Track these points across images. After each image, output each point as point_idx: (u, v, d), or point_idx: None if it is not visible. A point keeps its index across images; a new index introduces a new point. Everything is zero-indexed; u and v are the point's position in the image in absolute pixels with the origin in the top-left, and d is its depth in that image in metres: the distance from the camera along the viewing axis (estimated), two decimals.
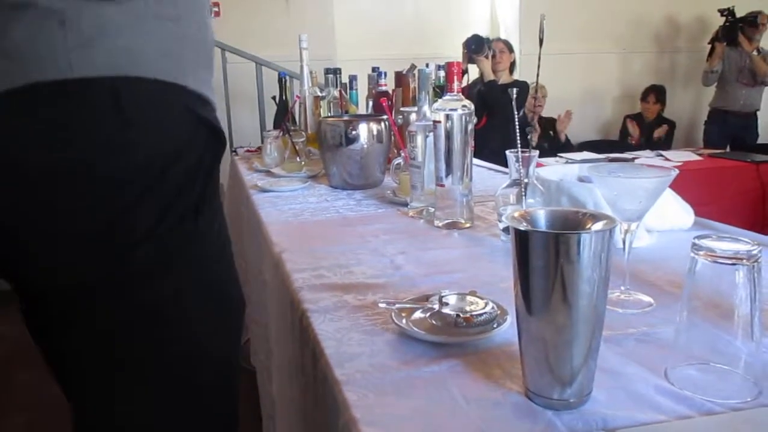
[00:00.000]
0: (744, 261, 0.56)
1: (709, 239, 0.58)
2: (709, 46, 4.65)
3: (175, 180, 0.73)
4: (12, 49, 0.65)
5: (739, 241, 0.58)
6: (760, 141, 4.66)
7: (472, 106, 1.16)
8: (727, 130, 4.60)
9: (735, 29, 4.43)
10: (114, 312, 0.72)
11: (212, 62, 0.83)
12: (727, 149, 4.30)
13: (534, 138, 4.10)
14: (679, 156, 3.68)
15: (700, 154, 3.77)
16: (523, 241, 0.55)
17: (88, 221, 0.69)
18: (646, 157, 3.72)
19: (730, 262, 0.56)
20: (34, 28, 0.65)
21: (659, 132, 4.46)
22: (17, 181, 0.67)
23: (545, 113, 4.36)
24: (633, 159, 3.60)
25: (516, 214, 0.59)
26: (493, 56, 3.70)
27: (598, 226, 0.56)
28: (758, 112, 4.64)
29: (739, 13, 4.47)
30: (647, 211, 0.79)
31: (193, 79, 0.76)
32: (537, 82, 1.05)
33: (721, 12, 4.49)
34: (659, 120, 4.56)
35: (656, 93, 4.58)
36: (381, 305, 0.77)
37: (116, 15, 0.68)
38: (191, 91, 0.75)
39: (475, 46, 3.54)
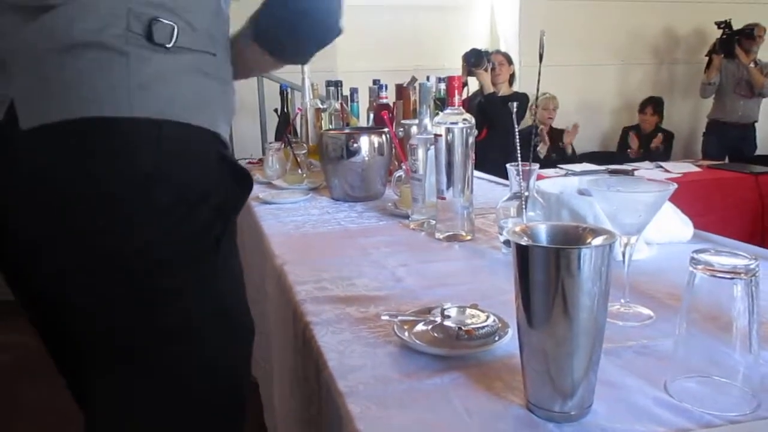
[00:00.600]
0: (742, 275, 0.57)
1: (708, 253, 0.59)
2: (707, 58, 4.68)
3: (201, 217, 0.77)
4: (74, 81, 0.70)
5: (737, 255, 0.59)
6: (758, 152, 4.68)
7: (473, 120, 1.17)
8: (726, 141, 4.62)
9: (732, 42, 4.46)
10: (132, 331, 0.75)
11: (231, 118, 0.89)
12: (726, 160, 4.32)
13: (543, 149, 4.11)
14: (678, 167, 3.69)
15: (699, 166, 3.79)
16: (524, 255, 0.56)
17: (116, 247, 0.73)
18: (645, 168, 3.73)
19: (728, 276, 0.57)
20: (98, 65, 0.71)
21: (656, 142, 4.47)
22: (59, 205, 0.71)
23: (554, 124, 4.39)
24: (632, 171, 3.61)
25: (517, 229, 0.60)
26: (493, 69, 3.73)
27: (598, 240, 0.57)
28: (756, 124, 4.66)
29: (736, 26, 4.50)
30: (647, 225, 0.80)
31: (222, 129, 0.82)
32: (537, 97, 1.07)
33: (718, 24, 4.52)
34: (657, 131, 4.58)
35: (653, 105, 4.59)
36: (383, 318, 0.78)
37: (170, 64, 0.75)
38: (222, 139, 0.82)
39: (475, 60, 3.56)
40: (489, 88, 3.63)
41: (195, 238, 0.78)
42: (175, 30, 0.74)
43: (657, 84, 5.15)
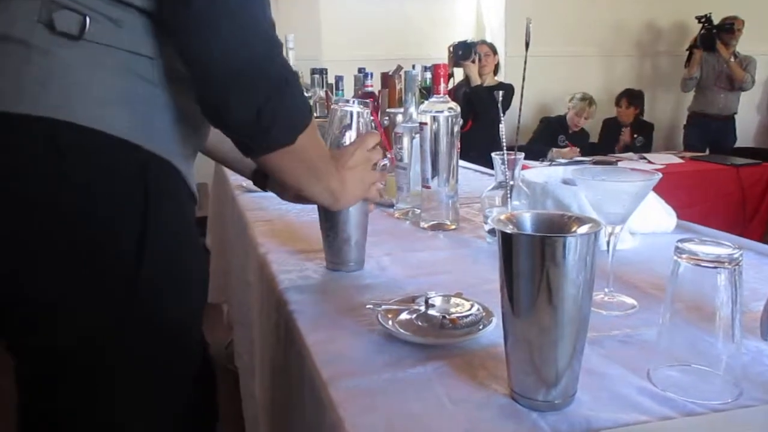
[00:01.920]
0: (726, 264, 0.57)
1: (692, 243, 0.59)
2: (688, 52, 4.70)
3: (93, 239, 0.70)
4: None
5: (721, 245, 0.59)
6: (738, 144, 4.73)
7: (459, 108, 1.17)
8: (707, 133, 4.66)
9: (712, 36, 4.48)
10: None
11: (196, 144, 0.84)
12: (707, 152, 4.35)
13: (571, 152, 4.10)
14: (661, 159, 3.72)
15: (681, 157, 3.82)
16: (509, 243, 0.56)
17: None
18: (629, 159, 3.76)
19: (712, 265, 0.57)
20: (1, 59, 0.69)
21: (624, 135, 4.44)
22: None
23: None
24: (616, 161, 3.64)
25: (502, 217, 0.59)
26: (479, 60, 3.73)
27: (584, 229, 0.56)
28: (735, 116, 4.71)
29: (716, 18, 4.52)
30: (631, 215, 0.80)
31: (157, 139, 0.74)
32: (523, 87, 1.06)
33: (699, 19, 4.55)
34: (636, 124, 4.58)
35: (628, 97, 4.57)
36: (368, 307, 0.77)
37: (77, 59, 0.69)
38: (147, 150, 0.72)
39: (463, 53, 3.56)
40: (476, 81, 3.63)
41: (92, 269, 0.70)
42: (86, 21, 0.68)
43: (640, 76, 5.17)
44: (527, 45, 0.96)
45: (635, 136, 4.40)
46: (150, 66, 0.73)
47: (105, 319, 0.72)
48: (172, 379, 0.79)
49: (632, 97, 4.57)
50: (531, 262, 0.54)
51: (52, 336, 0.72)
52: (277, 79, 0.72)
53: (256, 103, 0.71)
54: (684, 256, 0.59)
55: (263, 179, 1.06)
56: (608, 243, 0.81)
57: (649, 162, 3.62)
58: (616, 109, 4.62)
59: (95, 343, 0.72)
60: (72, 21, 0.68)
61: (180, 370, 0.80)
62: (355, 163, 0.90)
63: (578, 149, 4.13)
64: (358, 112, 0.96)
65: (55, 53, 0.68)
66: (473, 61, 3.61)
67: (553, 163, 3.50)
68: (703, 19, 4.53)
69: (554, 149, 4.09)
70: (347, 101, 0.99)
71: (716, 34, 4.48)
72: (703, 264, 0.58)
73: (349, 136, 0.95)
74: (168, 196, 0.76)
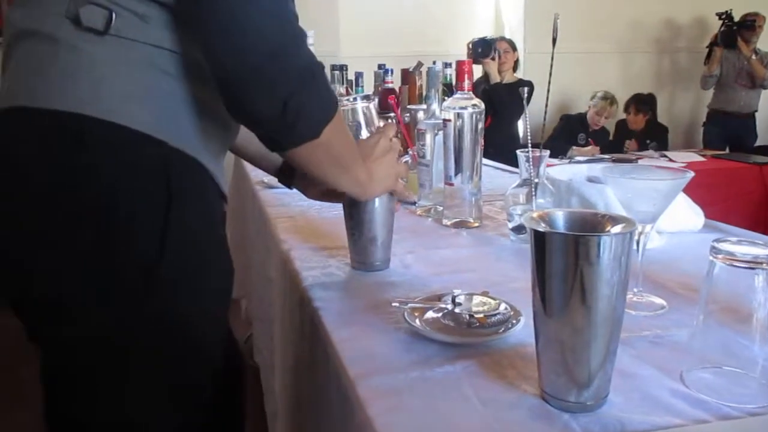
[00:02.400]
0: (763, 265, 0.56)
1: (728, 243, 0.58)
2: (707, 48, 4.64)
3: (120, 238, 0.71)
4: (10, 72, 0.72)
5: (757, 245, 0.58)
6: (758, 142, 4.66)
7: (483, 105, 1.16)
8: (726, 131, 4.59)
9: (733, 33, 4.42)
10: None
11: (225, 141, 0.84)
12: (727, 150, 4.29)
13: (592, 150, 4.06)
14: (682, 157, 3.68)
15: (703, 155, 3.77)
16: (542, 242, 0.55)
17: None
18: (649, 157, 3.72)
19: (749, 266, 0.56)
20: (29, 53, 0.71)
21: (631, 146, 4.32)
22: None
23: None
24: (636, 159, 3.60)
25: (534, 215, 0.58)
26: (498, 57, 3.70)
27: (618, 228, 0.56)
28: (756, 114, 4.64)
29: (736, 14, 4.46)
30: (661, 213, 0.78)
31: (184, 135, 0.74)
32: (549, 82, 1.05)
33: (719, 15, 4.48)
34: (649, 128, 4.49)
35: (636, 104, 4.47)
36: (394, 305, 0.77)
37: (103, 54, 0.69)
38: (172, 147, 0.72)
39: (482, 50, 3.53)
40: (496, 78, 3.60)
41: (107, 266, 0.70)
42: (112, 16, 0.68)
43: (658, 73, 5.11)
44: (554, 41, 0.95)
45: (648, 141, 4.32)
46: (175, 61, 0.72)
47: (122, 315, 0.72)
48: (190, 378, 0.79)
49: (640, 103, 4.46)
50: (565, 261, 0.53)
51: (70, 329, 0.72)
52: (302, 72, 0.71)
53: (281, 98, 0.69)
54: (720, 256, 0.58)
55: (289, 177, 1.06)
56: (638, 242, 0.80)
57: (670, 160, 3.58)
58: (626, 117, 4.55)
59: (112, 338, 0.72)
60: (98, 16, 0.68)
61: (198, 368, 0.80)
62: (380, 153, 0.90)
63: (598, 147, 4.10)
64: (363, 108, 0.97)
65: (82, 48, 0.69)
66: (492, 59, 3.58)
67: (573, 160, 3.48)
68: (723, 16, 4.46)
69: (574, 147, 4.05)
70: (350, 99, 1.00)
71: (737, 31, 4.41)
72: (739, 264, 0.57)
73: (361, 132, 0.95)
74: (193, 193, 0.76)
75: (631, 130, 4.46)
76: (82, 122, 0.68)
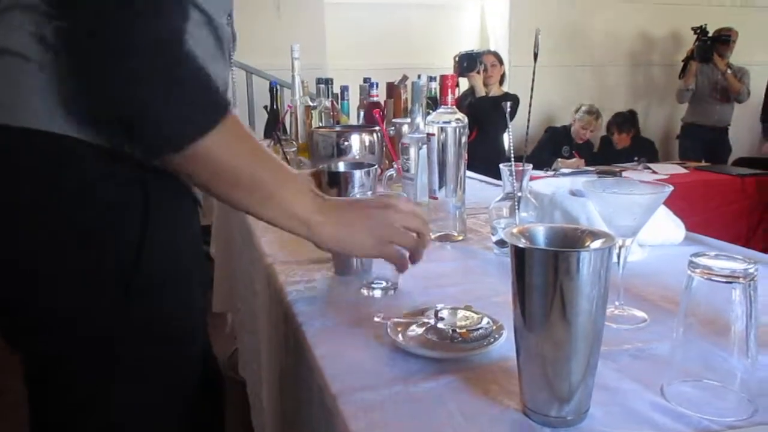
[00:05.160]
0: (740, 279, 0.56)
1: (706, 257, 0.59)
2: (683, 63, 4.71)
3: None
4: None
5: (735, 259, 0.58)
6: (732, 156, 4.73)
7: (466, 119, 1.16)
8: (701, 144, 4.66)
9: (708, 48, 4.49)
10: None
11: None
12: (702, 163, 4.35)
13: (576, 163, 4.09)
14: (665, 169, 3.72)
15: (686, 168, 3.82)
16: (522, 257, 0.55)
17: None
18: (633, 170, 3.75)
19: (726, 280, 0.57)
20: None
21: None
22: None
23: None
24: (620, 171, 3.63)
25: (514, 230, 0.59)
26: (485, 70, 3.74)
27: (597, 243, 0.56)
28: (729, 128, 4.71)
29: (710, 29, 4.53)
30: (642, 227, 0.79)
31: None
32: (531, 97, 1.06)
33: (694, 30, 4.56)
34: (635, 145, 4.53)
35: (618, 125, 4.52)
36: (376, 319, 0.77)
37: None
38: (72, 138, 0.68)
39: (468, 64, 3.56)
40: (481, 92, 3.64)
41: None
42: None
43: (633, 86, 5.20)
44: (536, 56, 0.96)
45: (636, 159, 4.37)
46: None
47: (101, 326, 0.72)
48: (170, 388, 0.79)
49: (623, 124, 4.52)
50: (545, 276, 0.54)
51: (50, 342, 0.72)
52: (159, 71, 0.64)
53: (119, 97, 0.64)
54: (698, 270, 0.58)
55: None
56: (618, 255, 0.81)
57: (654, 172, 3.62)
58: (609, 136, 4.59)
59: (92, 350, 0.72)
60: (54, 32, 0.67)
61: (179, 378, 0.80)
62: (366, 203, 0.80)
63: (583, 160, 4.13)
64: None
65: (48, 66, 0.67)
66: (478, 72, 3.62)
67: (558, 173, 3.50)
68: (698, 31, 4.54)
69: (559, 159, 4.09)
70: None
71: (712, 46, 4.49)
72: (717, 279, 0.57)
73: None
74: (169, 202, 0.75)
75: (618, 150, 4.50)
76: (52, 139, 0.67)
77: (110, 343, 0.72)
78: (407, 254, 0.82)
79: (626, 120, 4.55)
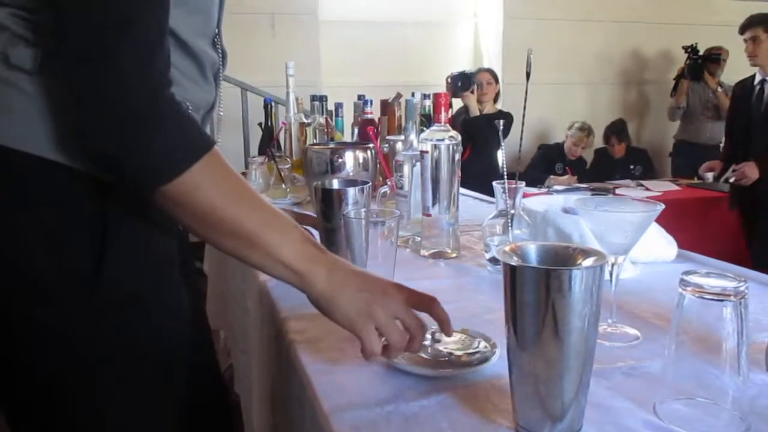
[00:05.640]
0: (731, 297, 0.57)
1: (697, 275, 0.59)
2: (674, 81, 4.75)
3: None
4: None
5: (725, 277, 0.59)
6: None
7: (459, 137, 1.17)
8: (694, 161, 4.68)
9: (699, 66, 4.54)
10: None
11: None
12: (695, 180, 4.38)
13: (569, 179, 4.11)
14: (658, 186, 3.74)
15: (678, 184, 3.84)
16: (514, 275, 0.55)
17: None
18: (626, 186, 3.77)
19: (717, 298, 0.57)
20: None
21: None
22: None
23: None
24: (613, 189, 3.65)
25: (506, 248, 0.59)
26: (479, 87, 3.76)
27: (589, 261, 0.56)
28: (721, 145, 4.75)
29: (701, 47, 4.58)
30: (634, 244, 0.80)
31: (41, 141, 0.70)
32: (524, 116, 1.07)
33: (685, 49, 4.61)
34: (630, 154, 4.58)
35: (617, 134, 4.58)
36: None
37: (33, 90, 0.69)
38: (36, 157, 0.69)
39: (462, 84, 3.58)
40: (475, 111, 3.64)
41: None
42: (38, 56, 0.68)
43: (625, 104, 5.24)
44: (528, 75, 0.97)
45: (632, 167, 4.40)
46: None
47: (71, 339, 0.72)
48: (149, 405, 0.79)
49: (620, 132, 4.58)
50: (536, 294, 0.54)
51: (24, 353, 0.73)
52: (127, 116, 0.64)
53: (104, 140, 0.65)
54: (689, 288, 0.58)
55: None
56: (611, 273, 0.81)
57: (647, 189, 3.64)
58: (607, 147, 4.63)
59: (65, 364, 0.73)
60: (26, 55, 0.69)
61: (157, 395, 0.80)
62: (371, 274, 0.73)
63: (575, 177, 4.15)
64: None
65: (15, 85, 0.69)
66: (472, 92, 3.63)
67: (551, 189, 3.51)
68: (689, 49, 4.59)
69: (552, 176, 4.10)
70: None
71: (702, 64, 4.54)
72: (708, 297, 0.58)
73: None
74: (133, 222, 0.75)
75: (616, 159, 4.54)
76: (13, 157, 0.69)
77: (82, 359, 0.73)
78: (380, 349, 0.68)
79: (622, 129, 4.61)
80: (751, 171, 3.12)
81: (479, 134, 3.45)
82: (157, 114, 0.65)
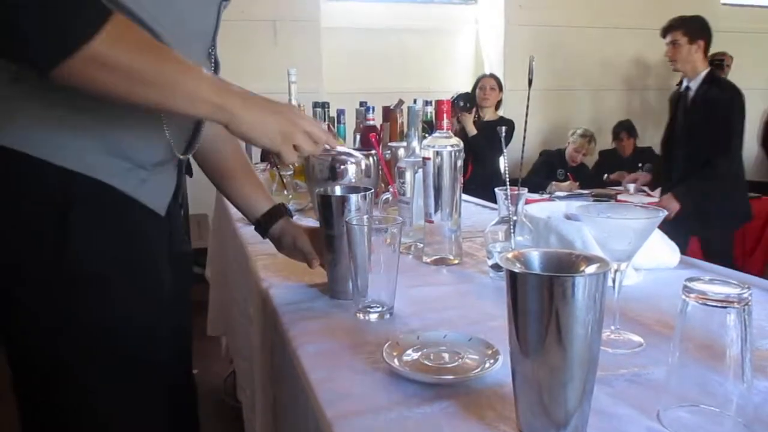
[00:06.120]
0: (735, 304, 0.57)
1: (700, 282, 0.59)
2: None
3: None
4: None
5: (729, 284, 0.58)
6: None
7: (461, 144, 1.17)
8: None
9: None
10: None
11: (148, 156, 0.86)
12: None
13: (571, 186, 4.11)
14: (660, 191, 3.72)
15: None
16: (517, 282, 0.55)
17: None
18: (627, 192, 3.77)
19: (721, 305, 0.57)
20: None
21: (641, 180, 4.37)
22: None
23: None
24: (616, 194, 3.65)
25: (509, 255, 0.59)
26: (482, 90, 3.75)
27: (592, 268, 0.56)
28: None
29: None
30: (637, 251, 0.79)
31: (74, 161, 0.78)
32: (526, 122, 1.07)
33: None
34: (637, 152, 4.60)
35: (627, 130, 4.61)
36: (372, 343, 0.77)
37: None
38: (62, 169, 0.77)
39: (464, 104, 3.55)
40: (472, 131, 3.59)
41: None
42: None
43: (629, 110, 5.23)
44: (530, 82, 0.97)
45: (640, 165, 4.40)
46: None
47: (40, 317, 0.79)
48: (117, 385, 0.84)
49: (630, 128, 4.61)
50: (540, 301, 0.54)
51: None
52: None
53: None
54: (692, 295, 0.58)
55: (264, 230, 1.10)
56: (614, 279, 0.81)
57: (648, 195, 3.63)
58: (616, 144, 4.64)
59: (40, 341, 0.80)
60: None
61: (123, 377, 0.84)
62: (269, 99, 0.83)
63: (577, 183, 4.15)
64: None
65: None
66: (470, 111, 3.61)
67: (553, 196, 3.51)
68: None
69: (554, 183, 4.10)
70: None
71: None
72: (711, 304, 0.57)
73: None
74: (99, 203, 0.80)
75: (623, 158, 4.55)
76: None
77: (54, 336, 0.79)
78: (296, 158, 0.84)
79: (631, 126, 4.62)
80: (668, 202, 2.86)
81: (480, 151, 3.41)
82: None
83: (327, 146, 0.87)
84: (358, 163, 0.95)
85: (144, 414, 0.88)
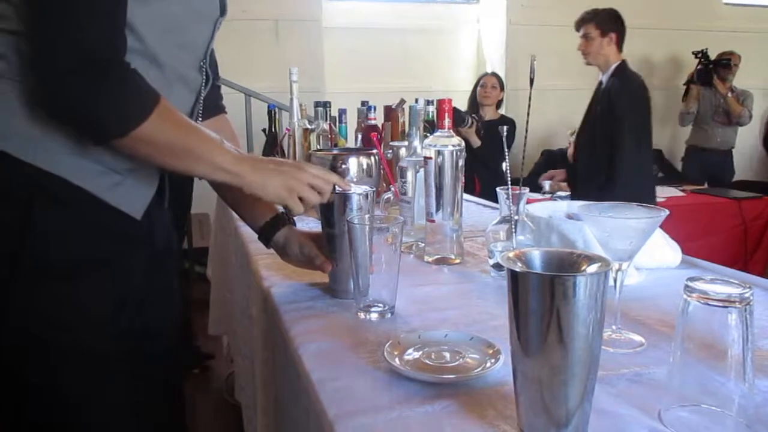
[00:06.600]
0: (736, 304, 0.57)
1: (702, 281, 0.59)
2: (684, 86, 4.75)
3: None
4: None
5: (731, 284, 0.58)
6: (736, 178, 4.75)
7: (463, 143, 1.17)
8: (705, 167, 4.68)
9: (709, 71, 4.53)
10: None
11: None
12: (705, 185, 4.37)
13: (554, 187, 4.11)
14: (662, 192, 3.72)
15: (682, 190, 3.83)
16: (518, 282, 0.55)
17: None
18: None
19: (722, 304, 0.57)
20: None
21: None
22: None
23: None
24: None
25: (511, 255, 0.59)
26: (483, 88, 3.75)
27: (594, 268, 0.56)
28: (733, 150, 4.74)
29: (711, 53, 4.58)
30: (638, 250, 0.79)
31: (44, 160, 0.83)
32: (527, 122, 1.07)
33: (696, 54, 4.60)
34: None
35: None
36: (373, 342, 0.77)
37: None
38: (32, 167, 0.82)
39: (455, 119, 3.52)
40: (476, 143, 3.57)
41: None
42: None
43: None
44: (531, 81, 0.97)
45: None
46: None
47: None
48: (90, 376, 0.88)
49: None
50: (541, 300, 0.54)
51: None
52: (89, 74, 0.77)
53: (68, 98, 0.78)
54: (694, 295, 0.58)
55: (266, 239, 1.10)
56: (615, 279, 0.81)
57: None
58: None
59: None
60: None
61: (96, 366, 0.88)
62: (281, 161, 0.94)
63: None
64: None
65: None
66: (469, 126, 3.59)
67: (554, 196, 3.50)
68: (699, 55, 4.58)
69: (552, 182, 4.09)
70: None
71: (713, 70, 4.54)
72: (713, 303, 0.57)
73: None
74: (59, 219, 0.84)
75: None
76: None
77: (20, 332, 0.83)
78: (302, 209, 0.95)
79: None
80: (560, 175, 2.89)
81: (487, 161, 3.35)
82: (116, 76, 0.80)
83: (339, 189, 0.99)
84: (363, 196, 0.99)
85: (108, 407, 0.91)
